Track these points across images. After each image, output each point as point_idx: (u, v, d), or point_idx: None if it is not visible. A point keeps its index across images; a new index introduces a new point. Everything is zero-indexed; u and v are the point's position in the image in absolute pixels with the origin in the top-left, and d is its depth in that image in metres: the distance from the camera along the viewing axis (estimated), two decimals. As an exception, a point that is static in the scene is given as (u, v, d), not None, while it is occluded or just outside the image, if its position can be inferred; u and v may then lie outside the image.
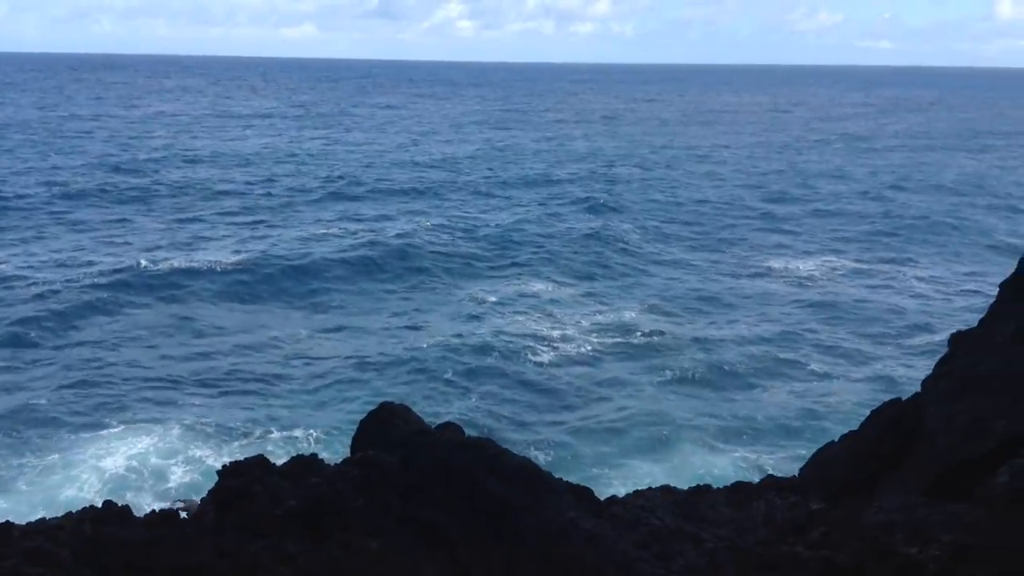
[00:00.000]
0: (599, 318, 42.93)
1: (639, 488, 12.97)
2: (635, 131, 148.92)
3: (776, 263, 56.05)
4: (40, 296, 42.70)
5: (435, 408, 31.05)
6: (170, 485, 25.51)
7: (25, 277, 46.26)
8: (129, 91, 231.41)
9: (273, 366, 35.90)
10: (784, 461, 28.00)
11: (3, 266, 48.72)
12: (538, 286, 48.99)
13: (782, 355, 38.99)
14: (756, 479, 14.17)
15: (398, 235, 58.40)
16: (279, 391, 33.51)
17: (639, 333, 40.73)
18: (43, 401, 31.35)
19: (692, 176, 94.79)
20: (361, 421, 12.94)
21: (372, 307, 44.53)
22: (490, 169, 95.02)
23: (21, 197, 69.50)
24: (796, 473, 13.65)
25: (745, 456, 29.23)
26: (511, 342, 38.90)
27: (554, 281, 50.18)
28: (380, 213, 68.48)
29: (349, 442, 12.94)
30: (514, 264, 53.59)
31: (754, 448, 29.98)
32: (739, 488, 12.57)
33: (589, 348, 38.56)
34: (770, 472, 19.53)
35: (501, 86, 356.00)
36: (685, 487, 12.78)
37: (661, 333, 40.90)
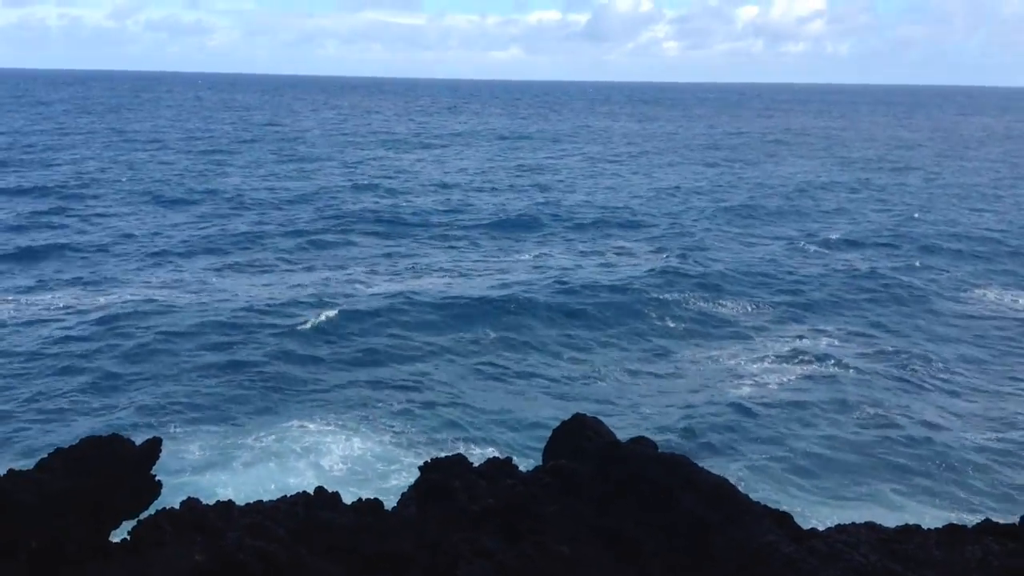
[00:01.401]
0: (812, 352, 40.68)
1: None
2: (875, 155, 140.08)
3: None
4: (285, 313, 44.99)
5: (628, 423, 30.95)
6: (375, 478, 26.90)
7: (269, 293, 49.30)
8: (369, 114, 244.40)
9: (476, 380, 37.06)
10: (1005, 509, 25.84)
11: (263, 285, 51.95)
12: (762, 319, 46.65)
13: (1006, 391, 36.14)
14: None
15: (622, 268, 56.72)
16: (477, 402, 34.56)
17: (864, 371, 38.35)
18: (275, 397, 34.16)
19: (955, 207, 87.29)
20: (554, 430, 13.14)
21: (588, 336, 43.43)
22: (723, 198, 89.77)
23: (257, 211, 75.57)
24: (1017, 520, 12.61)
25: (960, 506, 27.16)
26: (717, 368, 38.17)
27: (781, 314, 47.43)
28: (613, 244, 66.13)
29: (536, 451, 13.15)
30: (738, 298, 50.19)
31: (971, 496, 27.83)
32: (951, 530, 11.77)
33: (801, 384, 36.84)
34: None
35: (713, 106, 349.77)
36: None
37: (887, 375, 38.33)
